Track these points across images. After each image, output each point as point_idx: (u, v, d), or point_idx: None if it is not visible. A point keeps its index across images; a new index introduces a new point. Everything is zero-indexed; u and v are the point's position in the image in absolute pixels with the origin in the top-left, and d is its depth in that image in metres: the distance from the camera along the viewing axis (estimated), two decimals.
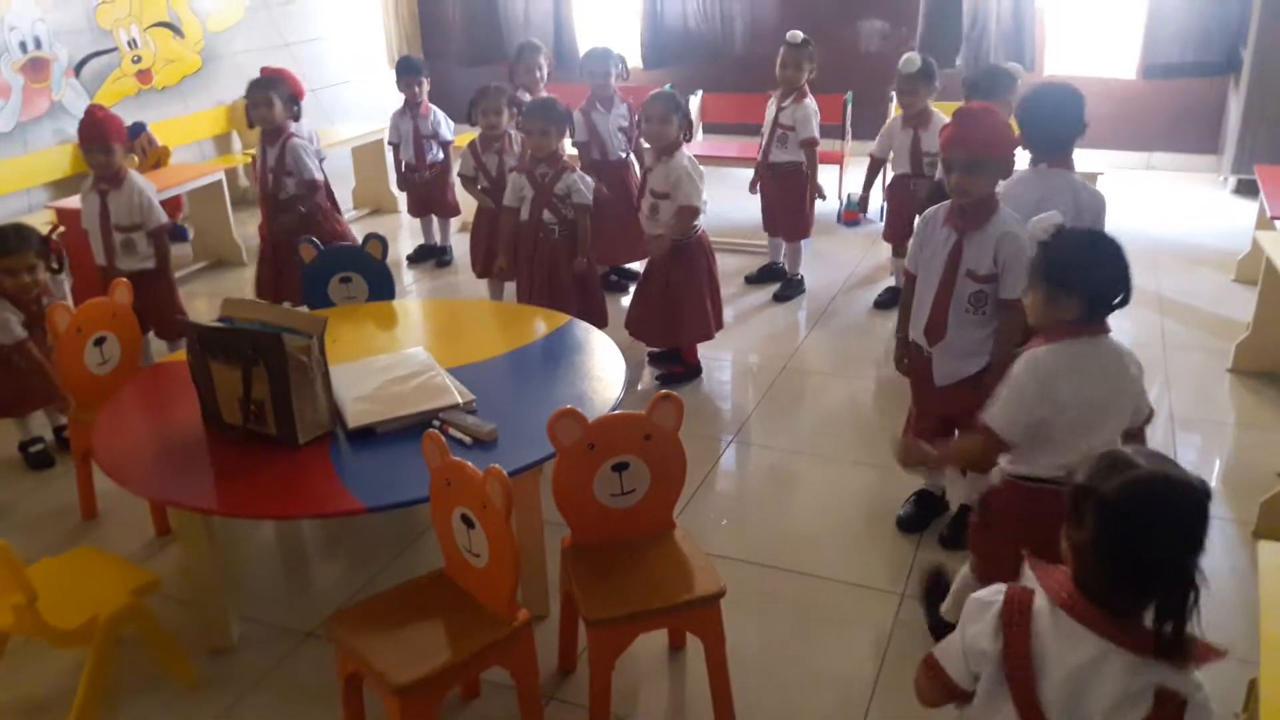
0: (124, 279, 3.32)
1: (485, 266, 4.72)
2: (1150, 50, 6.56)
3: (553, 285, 3.96)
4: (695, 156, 5.90)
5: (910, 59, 4.45)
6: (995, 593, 1.48)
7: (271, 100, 4.47)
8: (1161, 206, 6.21)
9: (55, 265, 3.44)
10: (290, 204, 4.55)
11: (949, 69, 7.03)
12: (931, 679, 1.55)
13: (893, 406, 3.84)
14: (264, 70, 5.26)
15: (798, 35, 4.76)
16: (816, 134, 4.80)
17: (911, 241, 2.88)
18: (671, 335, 4.09)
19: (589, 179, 4.02)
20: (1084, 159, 5.34)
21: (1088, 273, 2.06)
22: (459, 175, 4.87)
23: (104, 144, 3.91)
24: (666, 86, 6.77)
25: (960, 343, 2.77)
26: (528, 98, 4.91)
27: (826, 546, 3.02)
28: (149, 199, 4.00)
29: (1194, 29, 6.45)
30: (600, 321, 3.94)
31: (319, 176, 4.63)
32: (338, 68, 7.92)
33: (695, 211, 3.86)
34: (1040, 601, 1.44)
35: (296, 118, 4.68)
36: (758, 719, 2.36)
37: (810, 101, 4.80)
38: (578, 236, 3.99)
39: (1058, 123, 2.95)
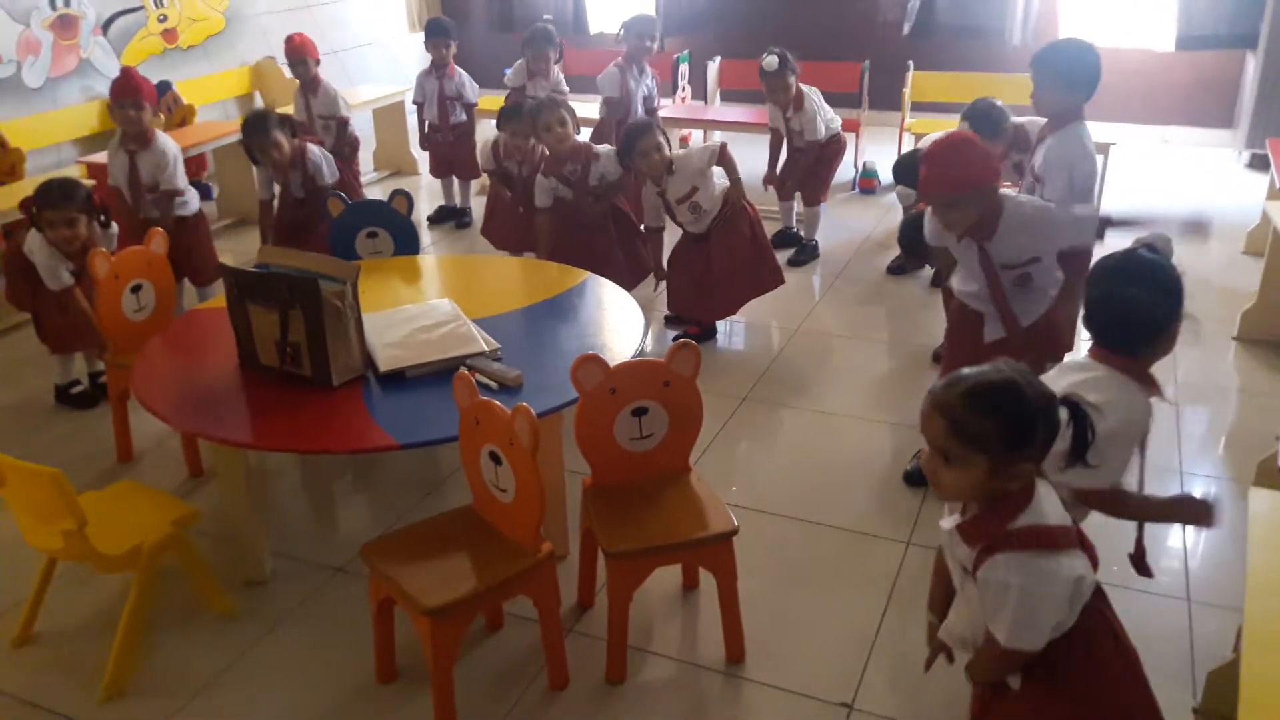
0: (159, 229, 3.43)
1: (489, 229, 4.84)
2: (1186, 21, 6.52)
3: (598, 251, 4.05)
4: (713, 122, 6.07)
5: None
6: (1040, 561, 1.60)
7: (279, 142, 4.19)
8: (1175, 180, 6.24)
9: (103, 219, 3.54)
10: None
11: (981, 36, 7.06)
12: (1012, 660, 1.67)
13: (904, 367, 3.94)
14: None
15: (773, 63, 4.82)
16: (821, 134, 4.92)
17: (927, 217, 2.92)
18: (742, 295, 4.15)
19: (611, 152, 4.08)
20: (1097, 131, 5.41)
21: None
22: (483, 170, 4.89)
23: (135, 99, 4.00)
24: (683, 54, 6.86)
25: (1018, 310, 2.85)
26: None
27: (835, 498, 3.12)
28: (170, 162, 4.09)
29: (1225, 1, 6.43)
30: (641, 273, 4.17)
31: (337, 175, 4.49)
32: (359, 29, 7.98)
33: (724, 147, 3.94)
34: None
35: (295, 134, 4.46)
36: (765, 656, 2.47)
37: (809, 102, 4.91)
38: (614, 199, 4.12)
39: (1089, 71, 3.03)
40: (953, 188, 2.61)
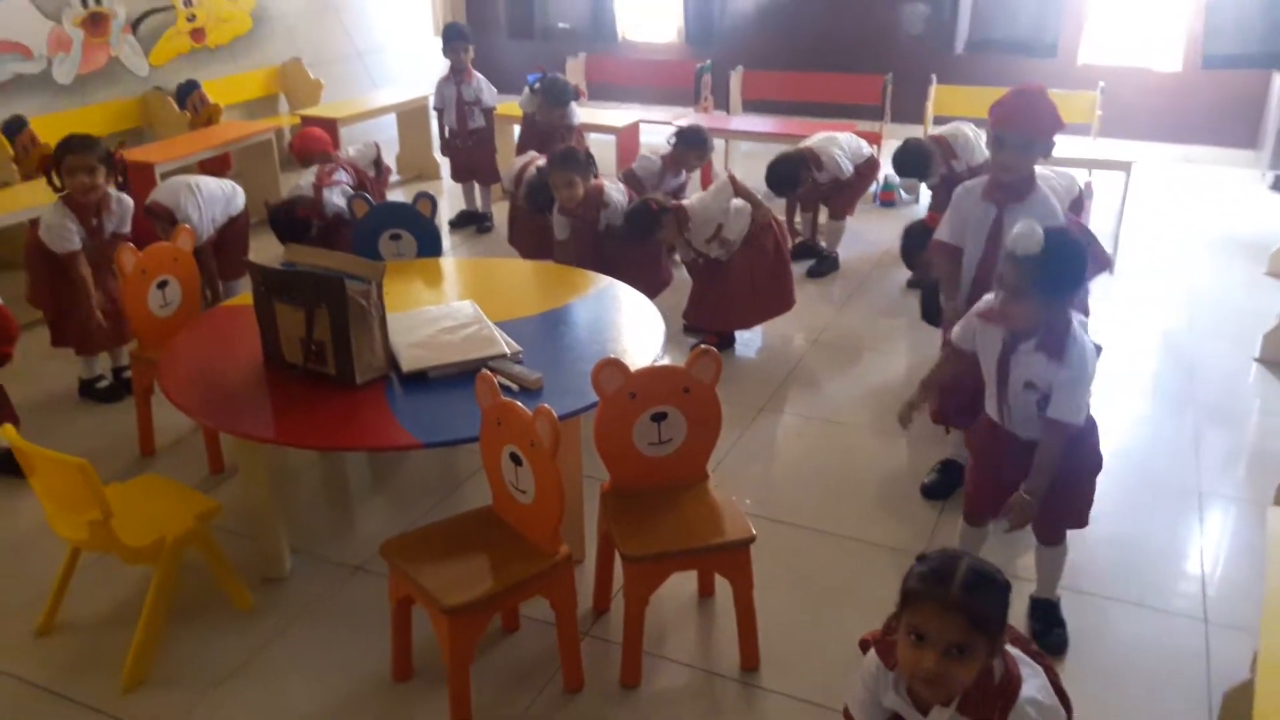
0: (187, 228, 3.47)
1: (515, 238, 4.85)
2: (1212, 40, 6.50)
3: (618, 262, 4.03)
4: (735, 132, 6.07)
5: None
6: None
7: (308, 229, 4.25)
8: (1197, 200, 6.23)
9: (119, 179, 3.56)
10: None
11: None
12: None
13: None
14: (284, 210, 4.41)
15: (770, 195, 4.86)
16: (847, 173, 4.94)
17: (947, 213, 2.95)
18: (756, 315, 4.23)
19: (623, 195, 4.10)
20: (1117, 149, 5.42)
21: (1078, 278, 2.30)
22: (504, 190, 4.89)
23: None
24: (705, 64, 6.89)
25: None
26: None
27: (852, 509, 3.12)
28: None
29: (1254, 19, 6.36)
30: (660, 284, 4.21)
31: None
32: (383, 33, 8.04)
33: (740, 183, 4.01)
34: None
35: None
36: (780, 665, 2.47)
37: (827, 157, 4.90)
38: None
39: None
40: (1039, 129, 2.67)
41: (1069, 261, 2.21)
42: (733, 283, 4.05)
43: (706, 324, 4.21)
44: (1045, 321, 2.25)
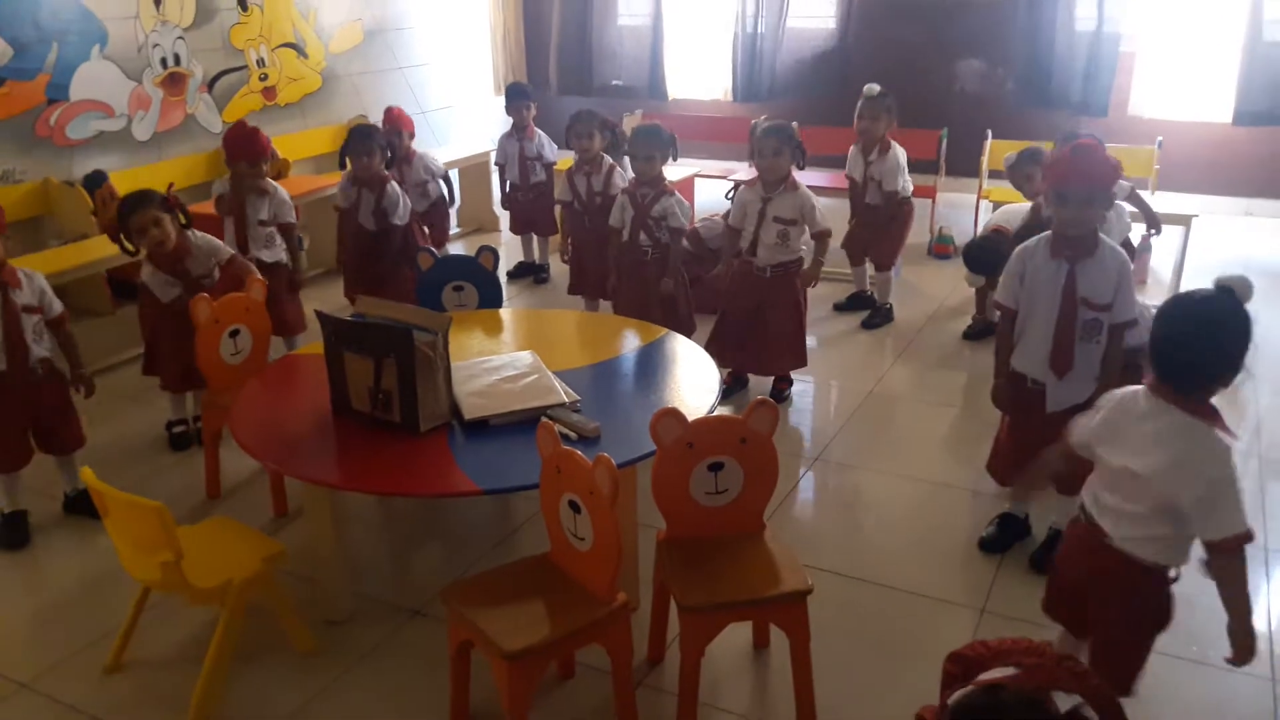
0: (260, 279, 3.59)
1: (575, 283, 4.97)
2: (1243, 96, 6.55)
3: (644, 305, 4.13)
4: None
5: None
6: None
7: (373, 151, 4.62)
8: (1258, 254, 6.15)
9: (183, 220, 3.64)
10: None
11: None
12: None
13: (980, 434, 3.91)
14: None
15: (874, 88, 4.96)
16: (899, 186, 5.01)
17: (1006, 276, 2.96)
18: (769, 363, 4.25)
19: (686, 204, 4.18)
20: (1178, 202, 5.39)
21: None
22: (557, 200, 5.05)
23: (253, 161, 4.27)
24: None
25: (1078, 371, 2.85)
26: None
27: (908, 562, 3.11)
28: (283, 199, 4.37)
29: None
30: (686, 330, 4.16)
31: (406, 220, 4.78)
32: (446, 92, 8.27)
33: (830, 234, 4.06)
34: None
35: (389, 164, 4.84)
36: (835, 718, 2.46)
37: (894, 153, 5.00)
38: (669, 259, 4.16)
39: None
40: (1099, 183, 2.71)
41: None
42: (756, 331, 4.09)
43: (713, 351, 4.21)
44: None
